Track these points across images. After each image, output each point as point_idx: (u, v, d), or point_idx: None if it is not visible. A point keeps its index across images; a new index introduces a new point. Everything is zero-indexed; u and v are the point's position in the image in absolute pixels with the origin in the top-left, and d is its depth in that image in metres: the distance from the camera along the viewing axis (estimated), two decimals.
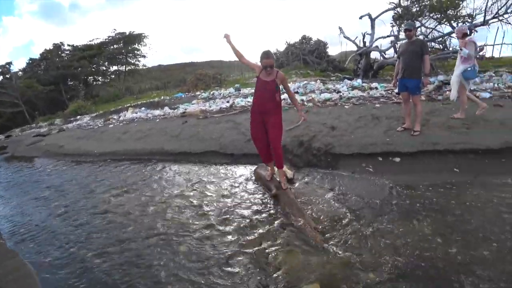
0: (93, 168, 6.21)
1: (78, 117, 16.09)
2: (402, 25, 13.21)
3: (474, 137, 4.24)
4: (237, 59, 3.80)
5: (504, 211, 2.86)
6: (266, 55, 3.33)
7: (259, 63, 3.47)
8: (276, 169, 3.85)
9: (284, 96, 6.54)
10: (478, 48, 5.68)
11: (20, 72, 29.22)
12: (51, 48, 30.29)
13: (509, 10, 10.97)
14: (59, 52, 30.59)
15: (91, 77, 31.87)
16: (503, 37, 14.17)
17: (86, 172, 5.94)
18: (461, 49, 4.78)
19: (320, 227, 2.90)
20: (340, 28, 15.97)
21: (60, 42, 30.81)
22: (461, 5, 13.18)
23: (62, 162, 7.25)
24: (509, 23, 11.54)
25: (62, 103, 24.36)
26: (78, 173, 5.94)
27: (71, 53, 30.79)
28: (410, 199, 3.28)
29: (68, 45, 31.24)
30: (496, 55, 16.72)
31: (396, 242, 2.55)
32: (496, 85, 7.95)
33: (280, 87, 3.54)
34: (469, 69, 4.78)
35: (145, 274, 2.51)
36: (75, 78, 29.30)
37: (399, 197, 3.34)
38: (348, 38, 15.73)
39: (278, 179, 3.81)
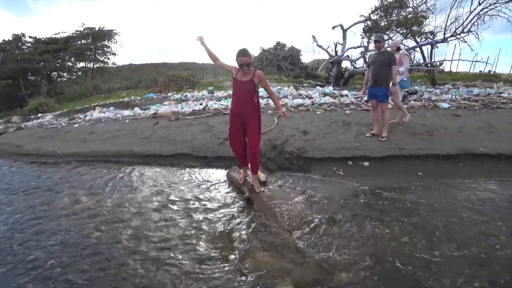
0: (55, 169, 5.79)
1: (39, 115, 14.99)
2: (372, 37, 13.92)
3: (435, 143, 4.56)
4: (211, 62, 3.69)
5: (462, 211, 3.08)
6: (242, 52, 3.16)
7: (235, 63, 3.27)
8: (249, 172, 3.82)
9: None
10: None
11: None
12: (10, 39, 27.95)
13: (465, 30, 11.99)
14: (19, 44, 28.27)
15: (56, 73, 29.68)
16: (460, 54, 15.48)
17: (47, 174, 5.52)
18: (398, 71, 5.25)
19: (293, 229, 2.92)
20: (314, 37, 16.53)
21: (21, 33, 28.49)
22: (424, 23, 14.24)
23: (20, 163, 6.70)
24: (465, 42, 12.64)
25: (21, 99, 22.49)
26: (39, 175, 5.51)
27: (33, 45, 28.55)
28: (379, 201, 3.41)
29: (30, 37, 28.98)
30: (453, 69, 18.19)
31: (366, 242, 2.63)
32: (453, 96, 8.64)
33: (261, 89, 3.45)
34: (405, 79, 5.50)
35: (110, 282, 2.37)
36: (37, 73, 27.19)
37: (368, 199, 3.47)
38: (320, 47, 16.30)
39: (250, 182, 3.79)
